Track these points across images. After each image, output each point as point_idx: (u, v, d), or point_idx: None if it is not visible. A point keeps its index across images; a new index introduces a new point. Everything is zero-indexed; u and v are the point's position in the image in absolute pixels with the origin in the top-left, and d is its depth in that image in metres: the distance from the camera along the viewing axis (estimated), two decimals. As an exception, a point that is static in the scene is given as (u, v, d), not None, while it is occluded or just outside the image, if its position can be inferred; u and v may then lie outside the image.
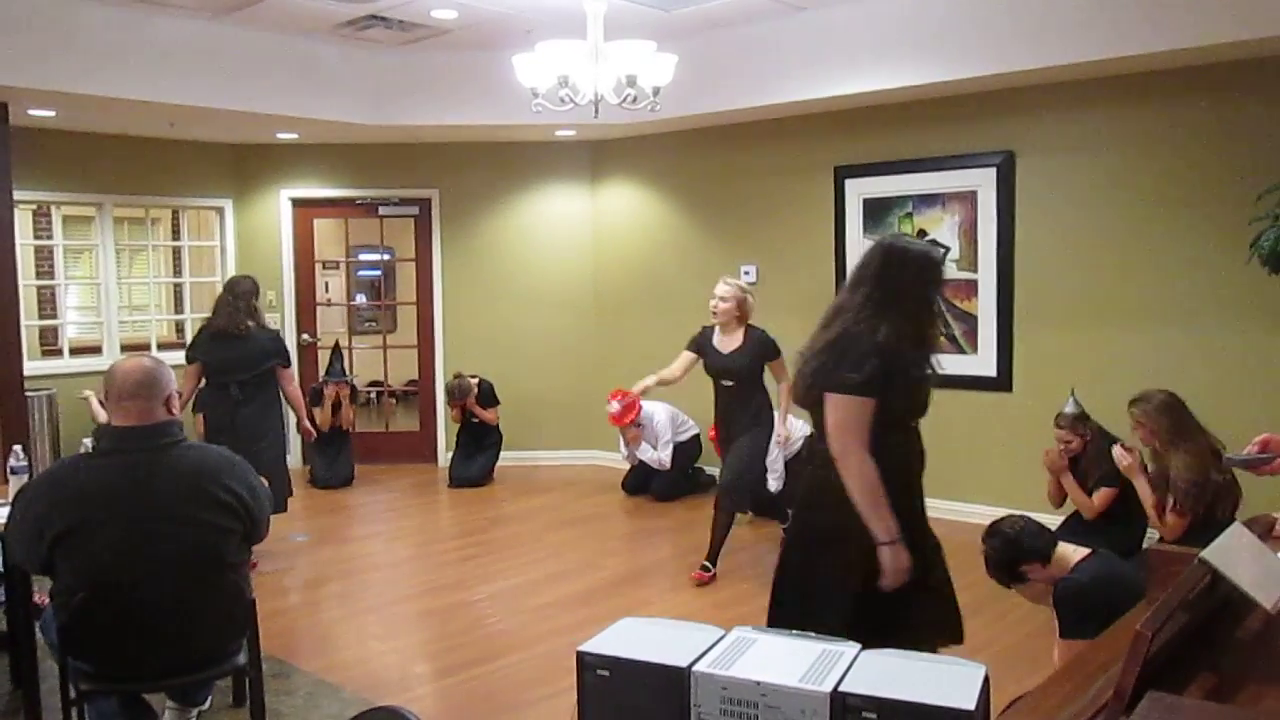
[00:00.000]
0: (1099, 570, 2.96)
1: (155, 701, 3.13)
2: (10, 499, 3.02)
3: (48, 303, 8.61)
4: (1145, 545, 4.34)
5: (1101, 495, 4.44)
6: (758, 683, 1.48)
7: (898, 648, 1.61)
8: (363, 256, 8.62)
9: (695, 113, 6.50)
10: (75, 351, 7.63)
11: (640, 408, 6.62)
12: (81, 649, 2.68)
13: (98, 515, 2.61)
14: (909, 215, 6.19)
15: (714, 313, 4.98)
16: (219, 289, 5.82)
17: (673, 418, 6.82)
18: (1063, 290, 5.63)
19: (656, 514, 6.53)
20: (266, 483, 3.10)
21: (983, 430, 5.81)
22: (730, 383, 4.98)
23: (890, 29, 5.57)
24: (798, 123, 6.56)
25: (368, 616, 4.64)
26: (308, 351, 7.97)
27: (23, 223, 7.83)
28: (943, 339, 5.78)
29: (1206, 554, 1.52)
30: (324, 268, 8.41)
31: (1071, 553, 3.05)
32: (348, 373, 7.58)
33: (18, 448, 3.85)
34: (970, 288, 5.93)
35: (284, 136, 7.41)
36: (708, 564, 5.06)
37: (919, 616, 2.66)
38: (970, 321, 5.95)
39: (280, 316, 7.77)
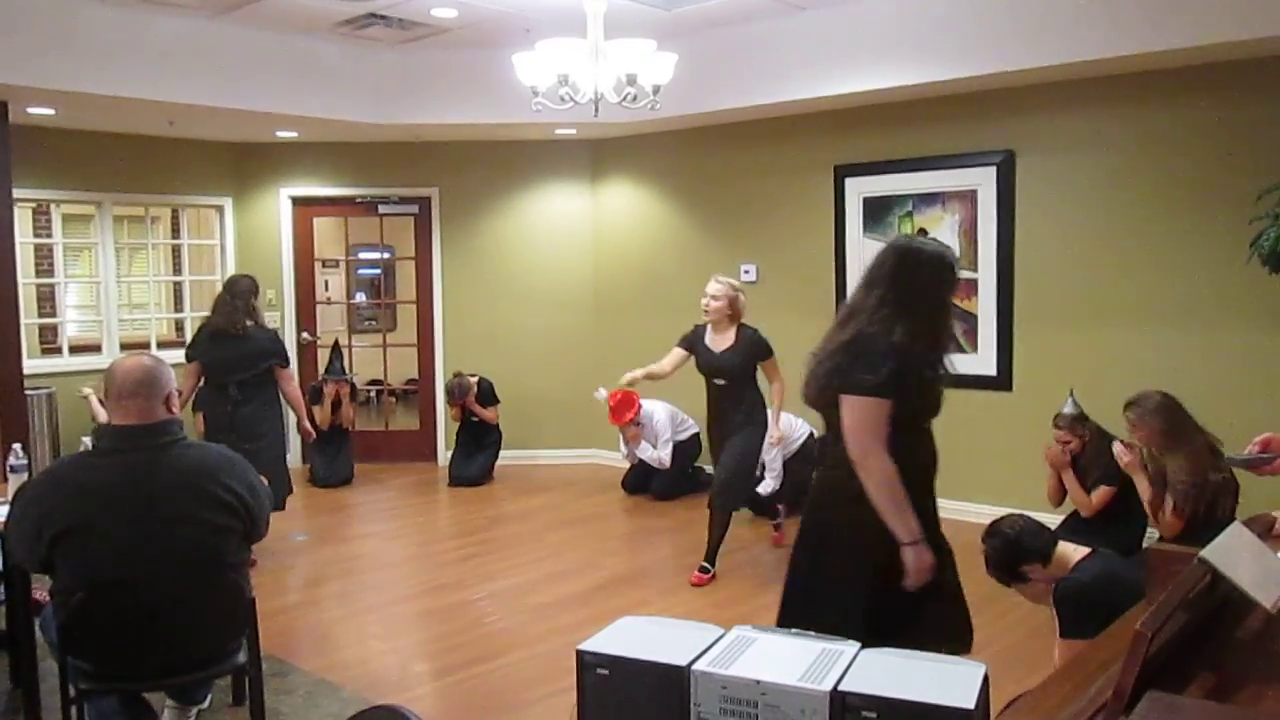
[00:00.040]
0: (1099, 570, 2.95)
1: (155, 700, 3.13)
2: (10, 498, 3.02)
3: (47, 301, 8.60)
4: (1145, 544, 4.35)
5: (1100, 494, 4.45)
6: (757, 681, 1.48)
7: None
8: (362, 255, 8.61)
9: (695, 112, 6.49)
10: (75, 350, 7.63)
11: (640, 406, 6.62)
12: (81, 648, 2.68)
13: (97, 514, 2.61)
14: (909, 214, 6.19)
15: (706, 311, 4.96)
16: (219, 287, 5.83)
17: (672, 416, 6.81)
18: (1063, 290, 5.63)
19: (656, 513, 6.52)
20: (266, 481, 3.10)
21: (982, 430, 5.80)
22: (722, 381, 4.97)
23: (890, 29, 5.57)
24: (797, 122, 6.55)
25: (367, 616, 4.64)
26: (307, 350, 7.97)
27: (22, 221, 7.83)
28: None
29: (1206, 553, 1.52)
30: (324, 266, 8.40)
31: (1072, 552, 3.05)
32: (347, 371, 7.57)
33: (17, 446, 3.85)
34: (970, 287, 5.92)
35: (284, 135, 7.40)
36: (706, 565, 5.05)
37: (930, 620, 2.65)
38: (970, 321, 5.94)
39: (280, 315, 7.77)
